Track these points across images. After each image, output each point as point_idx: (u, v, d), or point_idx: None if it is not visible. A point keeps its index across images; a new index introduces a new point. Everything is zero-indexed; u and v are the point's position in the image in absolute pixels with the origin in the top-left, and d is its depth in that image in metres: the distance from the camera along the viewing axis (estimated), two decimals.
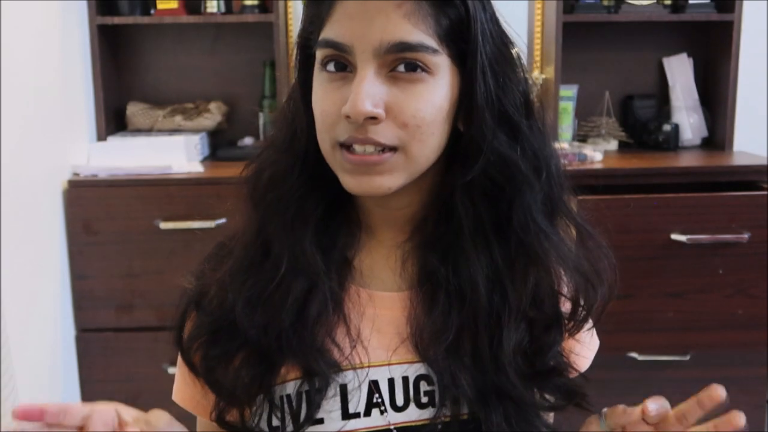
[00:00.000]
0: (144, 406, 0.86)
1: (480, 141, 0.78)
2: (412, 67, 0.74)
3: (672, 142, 2.47)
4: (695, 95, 2.55)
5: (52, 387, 2.04)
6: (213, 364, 0.82)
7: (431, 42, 0.74)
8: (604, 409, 0.78)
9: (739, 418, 0.69)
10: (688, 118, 2.53)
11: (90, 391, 2.17)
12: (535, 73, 2.50)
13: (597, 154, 2.27)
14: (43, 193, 2.03)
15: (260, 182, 0.84)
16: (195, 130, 2.42)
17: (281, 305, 0.80)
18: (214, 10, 2.37)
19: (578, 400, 0.83)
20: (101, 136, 2.35)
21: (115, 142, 2.32)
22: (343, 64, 0.76)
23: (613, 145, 2.52)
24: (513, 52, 0.81)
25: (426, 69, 0.75)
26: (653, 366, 2.16)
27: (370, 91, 0.73)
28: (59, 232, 2.09)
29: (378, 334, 0.82)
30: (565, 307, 0.84)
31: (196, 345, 0.83)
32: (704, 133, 2.56)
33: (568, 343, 0.86)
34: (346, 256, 0.84)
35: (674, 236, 1.99)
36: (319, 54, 0.77)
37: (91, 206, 2.11)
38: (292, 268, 0.80)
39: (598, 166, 2.23)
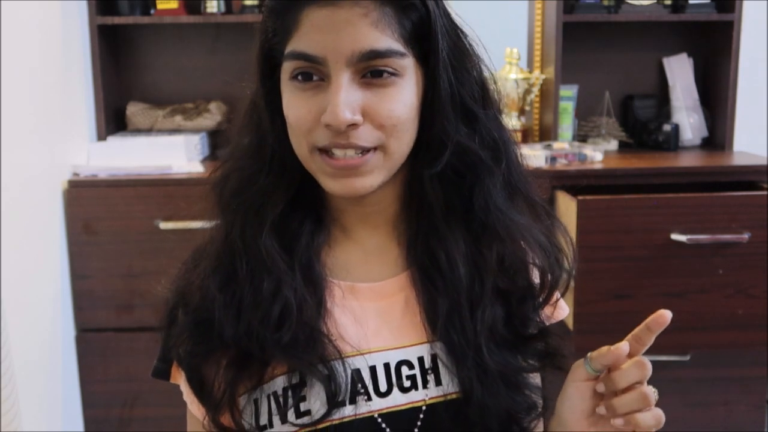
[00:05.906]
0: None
1: (443, 135, 0.81)
2: (381, 73, 0.77)
3: (672, 142, 2.47)
4: (695, 95, 2.55)
5: (52, 387, 2.03)
6: (196, 360, 0.83)
7: (398, 46, 0.77)
8: (590, 353, 0.82)
9: (666, 315, 0.81)
10: (688, 118, 2.53)
11: (90, 391, 2.17)
12: (536, 73, 2.51)
13: (597, 154, 2.27)
14: (43, 193, 2.02)
15: (227, 187, 0.86)
16: (195, 130, 2.42)
17: (255, 306, 0.81)
18: (214, 10, 2.37)
19: (558, 363, 0.88)
20: (101, 136, 2.35)
21: (115, 142, 2.31)
22: (312, 74, 0.78)
23: (613, 145, 2.52)
24: (467, 42, 0.84)
25: (395, 72, 0.78)
26: (653, 366, 2.15)
27: (347, 99, 0.76)
28: (59, 232, 2.09)
29: (359, 324, 0.84)
30: (535, 276, 0.88)
31: (179, 343, 0.85)
32: (704, 133, 2.56)
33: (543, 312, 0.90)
34: (318, 253, 0.86)
35: (674, 236, 1.99)
36: (289, 66, 0.79)
37: (90, 206, 2.11)
38: (259, 269, 0.82)
39: (598, 166, 2.23)
